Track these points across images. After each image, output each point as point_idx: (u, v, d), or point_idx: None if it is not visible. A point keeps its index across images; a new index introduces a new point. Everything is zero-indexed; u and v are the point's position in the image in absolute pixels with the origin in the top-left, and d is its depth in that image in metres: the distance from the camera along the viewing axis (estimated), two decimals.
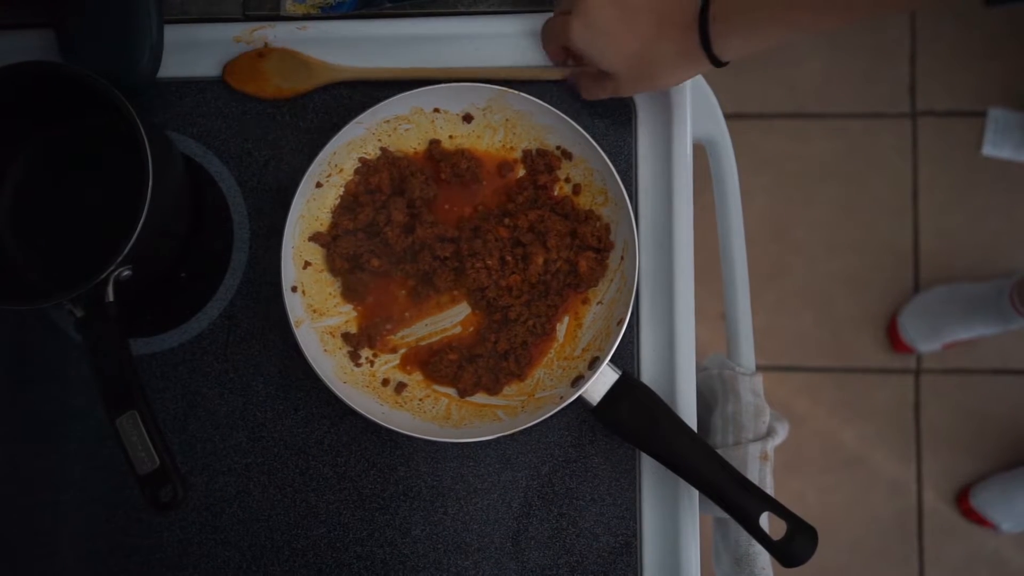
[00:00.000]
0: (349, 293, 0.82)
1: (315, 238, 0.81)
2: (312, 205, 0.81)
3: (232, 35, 0.85)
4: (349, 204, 0.82)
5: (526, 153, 0.82)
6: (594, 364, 0.77)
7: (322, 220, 0.82)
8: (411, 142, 0.83)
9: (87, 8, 0.80)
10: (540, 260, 0.80)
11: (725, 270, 0.85)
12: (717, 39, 0.68)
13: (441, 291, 0.81)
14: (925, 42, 1.83)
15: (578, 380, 0.78)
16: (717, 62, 0.70)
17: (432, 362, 0.80)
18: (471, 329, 0.82)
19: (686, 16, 0.68)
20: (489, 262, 0.79)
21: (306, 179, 0.79)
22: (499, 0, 0.83)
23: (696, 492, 0.79)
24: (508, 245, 0.80)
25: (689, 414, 0.80)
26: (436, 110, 0.81)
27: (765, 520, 0.73)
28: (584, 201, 0.82)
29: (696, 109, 0.83)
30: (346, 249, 0.81)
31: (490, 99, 0.80)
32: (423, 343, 0.82)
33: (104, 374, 0.69)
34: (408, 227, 0.81)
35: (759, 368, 0.85)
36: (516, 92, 0.78)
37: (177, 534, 0.82)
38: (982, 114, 1.80)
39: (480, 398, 0.80)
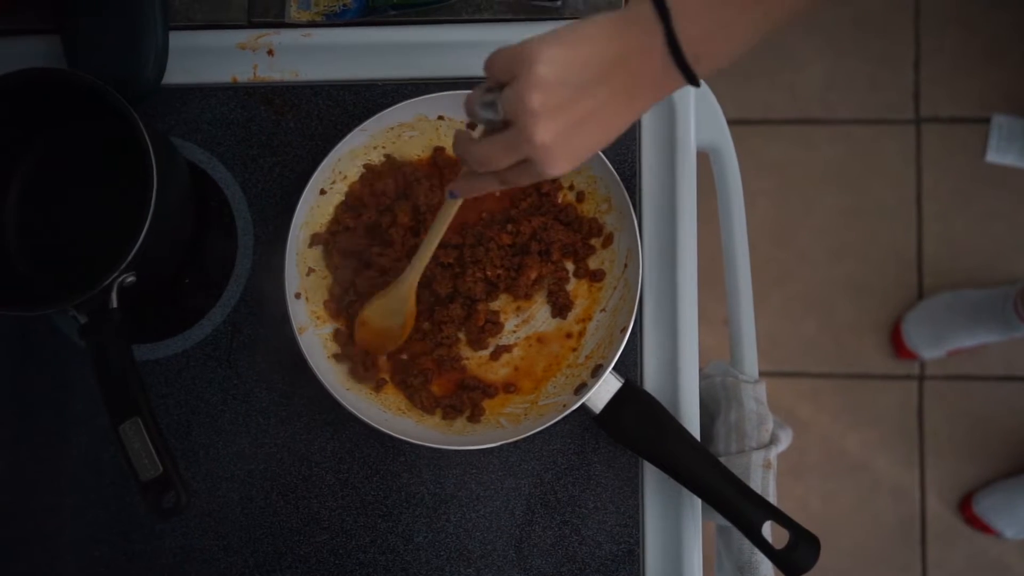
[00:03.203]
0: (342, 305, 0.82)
1: (315, 239, 0.81)
2: (316, 212, 0.81)
3: (237, 42, 0.85)
4: (353, 204, 0.82)
5: None
6: (597, 372, 0.77)
7: (326, 226, 0.82)
8: (415, 149, 0.83)
9: (93, 14, 0.81)
10: (532, 274, 0.80)
11: (728, 279, 0.85)
12: (695, 61, 0.56)
13: (440, 295, 0.81)
14: (929, 48, 1.83)
15: (581, 388, 0.78)
16: (694, 81, 0.58)
17: (412, 384, 0.81)
18: None
19: (653, 57, 0.56)
20: (489, 272, 0.80)
21: (310, 186, 0.79)
22: (502, 8, 0.84)
23: (699, 500, 0.79)
24: (509, 254, 0.80)
25: (692, 422, 0.80)
26: (440, 117, 0.81)
27: (768, 529, 0.73)
28: (587, 209, 0.82)
29: (700, 117, 0.83)
30: (346, 244, 0.81)
31: None
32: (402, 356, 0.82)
33: (107, 380, 0.69)
34: (413, 230, 0.81)
35: (762, 374, 0.85)
36: None
37: (179, 540, 0.82)
38: (986, 120, 1.80)
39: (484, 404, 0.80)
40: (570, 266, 0.82)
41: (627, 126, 0.61)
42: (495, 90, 0.58)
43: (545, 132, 0.57)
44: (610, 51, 0.56)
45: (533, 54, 0.56)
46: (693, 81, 0.58)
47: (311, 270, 0.81)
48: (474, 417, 0.79)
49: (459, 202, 0.69)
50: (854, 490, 1.78)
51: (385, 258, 0.81)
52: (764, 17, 0.57)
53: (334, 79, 0.85)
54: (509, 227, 0.81)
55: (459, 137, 0.63)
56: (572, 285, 0.82)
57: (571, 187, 0.82)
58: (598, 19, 0.58)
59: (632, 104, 0.59)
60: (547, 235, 0.80)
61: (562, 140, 0.58)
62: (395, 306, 0.78)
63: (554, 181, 0.81)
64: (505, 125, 0.59)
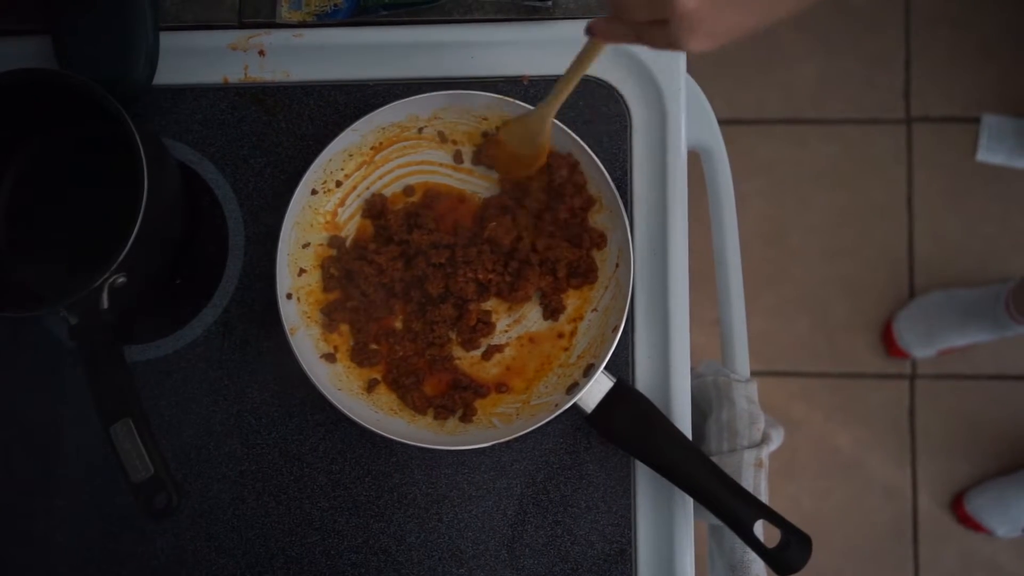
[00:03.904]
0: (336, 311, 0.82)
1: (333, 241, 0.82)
2: (307, 212, 0.81)
3: (227, 42, 0.85)
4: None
5: None
6: (589, 371, 0.77)
7: (318, 226, 0.82)
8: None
9: (83, 16, 0.81)
10: (531, 289, 0.80)
11: (719, 278, 0.85)
12: None
13: (432, 295, 0.81)
14: (920, 48, 1.83)
15: (573, 387, 0.78)
16: None
17: (404, 384, 0.81)
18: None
19: None
20: (480, 276, 0.79)
21: (302, 186, 0.79)
22: (494, 8, 0.84)
23: (691, 499, 0.79)
24: (502, 260, 0.80)
25: (684, 421, 0.80)
26: (432, 116, 0.81)
27: (760, 528, 0.73)
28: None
29: (691, 117, 0.83)
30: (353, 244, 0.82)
31: (485, 107, 0.80)
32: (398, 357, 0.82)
33: (98, 381, 0.69)
34: (407, 227, 0.81)
35: (754, 373, 0.85)
36: (512, 100, 0.78)
37: (171, 541, 0.82)
38: (976, 120, 1.80)
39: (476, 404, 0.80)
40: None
41: (795, 10, 0.53)
42: None
43: None
44: None
45: None
46: None
47: (302, 271, 0.81)
48: (466, 417, 0.79)
49: (600, 45, 0.65)
50: (846, 489, 1.78)
51: (383, 256, 0.81)
52: None
53: (325, 79, 0.85)
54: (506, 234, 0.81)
55: None
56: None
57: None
58: None
59: None
60: (552, 254, 0.80)
61: (708, 10, 0.51)
62: (528, 135, 0.77)
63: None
64: None
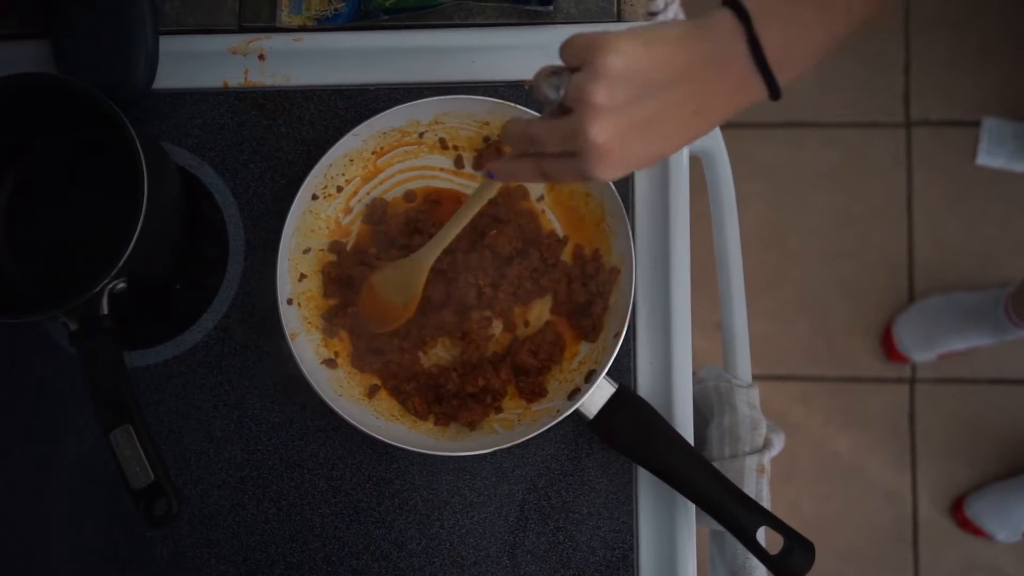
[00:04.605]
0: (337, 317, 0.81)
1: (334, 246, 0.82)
2: (308, 217, 0.80)
3: (228, 46, 0.84)
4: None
5: None
6: (591, 377, 0.77)
7: (319, 232, 0.81)
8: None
9: (83, 19, 0.80)
10: (532, 314, 0.80)
11: (721, 283, 0.84)
12: (779, 67, 0.57)
13: (434, 301, 0.80)
14: (919, 51, 1.84)
15: (575, 393, 0.77)
16: (776, 92, 0.58)
17: (404, 390, 0.80)
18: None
19: (732, 64, 0.56)
20: (481, 282, 0.79)
21: (302, 191, 0.79)
22: (495, 13, 0.83)
23: (693, 505, 0.79)
24: (503, 262, 0.80)
25: (685, 427, 0.80)
26: (433, 121, 0.81)
27: (762, 534, 0.73)
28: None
29: None
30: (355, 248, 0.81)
31: (487, 112, 0.80)
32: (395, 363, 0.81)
33: (98, 387, 0.69)
34: (408, 230, 0.81)
35: (754, 377, 0.85)
36: (513, 105, 0.78)
37: (171, 547, 0.82)
38: (976, 123, 1.80)
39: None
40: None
41: (691, 140, 0.59)
42: (564, 72, 0.57)
43: (602, 130, 0.55)
44: (686, 55, 0.55)
45: (608, 44, 0.54)
46: (774, 90, 0.56)
47: (303, 276, 0.81)
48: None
49: (496, 185, 0.67)
50: (846, 493, 1.78)
51: (383, 262, 0.80)
52: (834, 23, 0.57)
53: (326, 84, 0.85)
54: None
55: (513, 119, 0.61)
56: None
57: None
58: (676, 23, 0.56)
59: (701, 115, 0.57)
60: (565, 297, 0.81)
61: (618, 142, 0.56)
62: (402, 281, 0.77)
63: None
64: (564, 112, 0.57)
